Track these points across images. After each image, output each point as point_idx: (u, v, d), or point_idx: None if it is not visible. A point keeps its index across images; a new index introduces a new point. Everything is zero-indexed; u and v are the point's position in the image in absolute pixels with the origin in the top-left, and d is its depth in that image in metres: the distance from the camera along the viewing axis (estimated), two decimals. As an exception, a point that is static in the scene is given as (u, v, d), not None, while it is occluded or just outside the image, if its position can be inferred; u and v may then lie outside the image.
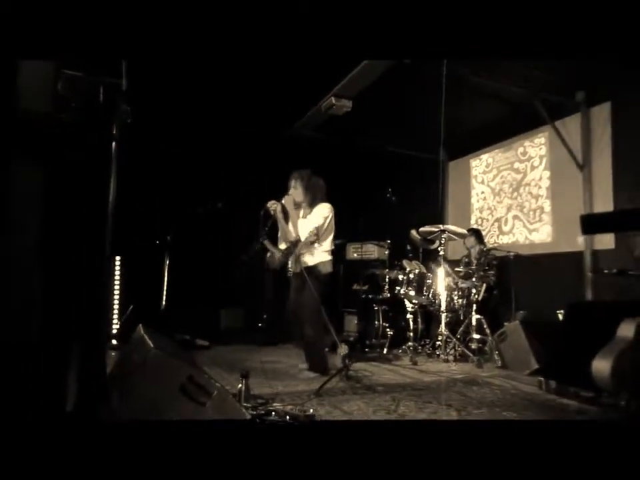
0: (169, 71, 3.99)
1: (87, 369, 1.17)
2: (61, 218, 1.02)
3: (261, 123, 5.37)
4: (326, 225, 3.36)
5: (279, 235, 3.53)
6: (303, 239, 3.36)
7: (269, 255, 3.61)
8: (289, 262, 3.50)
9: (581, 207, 4.56)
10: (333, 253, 3.47)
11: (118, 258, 4.47)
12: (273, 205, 3.33)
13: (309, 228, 3.34)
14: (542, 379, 2.92)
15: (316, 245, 3.37)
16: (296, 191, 3.41)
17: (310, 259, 3.37)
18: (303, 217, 3.44)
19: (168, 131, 4.96)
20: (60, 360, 1.11)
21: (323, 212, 3.34)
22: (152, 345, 1.54)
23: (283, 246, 3.49)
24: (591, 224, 1.16)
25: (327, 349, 3.59)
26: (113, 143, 1.39)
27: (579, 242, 4.53)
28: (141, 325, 2.03)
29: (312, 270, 3.34)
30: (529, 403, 2.59)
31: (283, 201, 3.38)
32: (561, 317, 3.51)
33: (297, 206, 3.43)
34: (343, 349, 3.16)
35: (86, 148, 1.08)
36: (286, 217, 3.41)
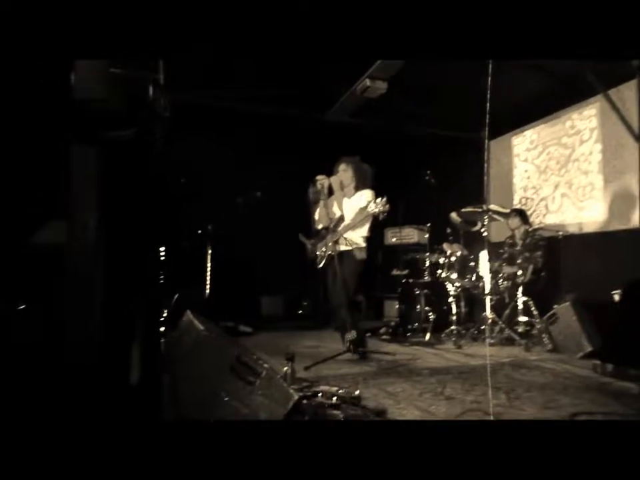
0: (203, 60, 4.01)
1: (147, 349, 1.22)
2: (118, 201, 1.06)
3: (297, 109, 5.36)
4: (370, 213, 3.31)
5: (318, 213, 3.53)
6: (347, 219, 3.36)
7: (309, 247, 3.64)
8: (325, 245, 3.47)
9: (636, 181, 4.28)
10: (368, 240, 3.46)
11: (162, 248, 4.62)
12: (322, 180, 3.36)
13: (354, 209, 3.34)
14: (597, 361, 2.78)
15: (352, 232, 3.35)
16: (345, 173, 3.43)
17: (345, 245, 3.37)
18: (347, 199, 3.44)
19: (206, 120, 5.04)
20: (124, 339, 1.17)
21: (368, 196, 3.32)
22: (201, 327, 1.58)
23: (320, 225, 3.50)
24: None
25: (367, 333, 3.60)
26: (156, 136, 1.43)
27: (635, 219, 4.26)
28: (188, 310, 2.10)
29: (348, 254, 3.34)
30: (585, 387, 2.48)
31: (330, 179, 3.39)
32: (616, 297, 3.32)
33: (343, 188, 3.44)
34: (351, 335, 3.14)
35: (136, 132, 1.11)
36: (330, 195, 3.43)
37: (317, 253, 3.55)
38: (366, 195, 3.35)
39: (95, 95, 1.04)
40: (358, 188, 3.44)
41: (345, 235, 3.36)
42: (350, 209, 3.39)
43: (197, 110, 4.84)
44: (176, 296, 4.58)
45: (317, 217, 3.56)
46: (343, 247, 3.37)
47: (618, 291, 3.17)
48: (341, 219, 3.41)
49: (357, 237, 3.39)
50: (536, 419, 1.89)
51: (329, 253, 3.39)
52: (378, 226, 5.78)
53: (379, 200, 3.16)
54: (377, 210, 3.14)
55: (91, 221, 1.01)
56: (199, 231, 4.86)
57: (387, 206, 3.14)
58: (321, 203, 3.45)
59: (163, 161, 1.68)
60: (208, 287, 4.81)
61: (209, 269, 4.82)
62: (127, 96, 1.24)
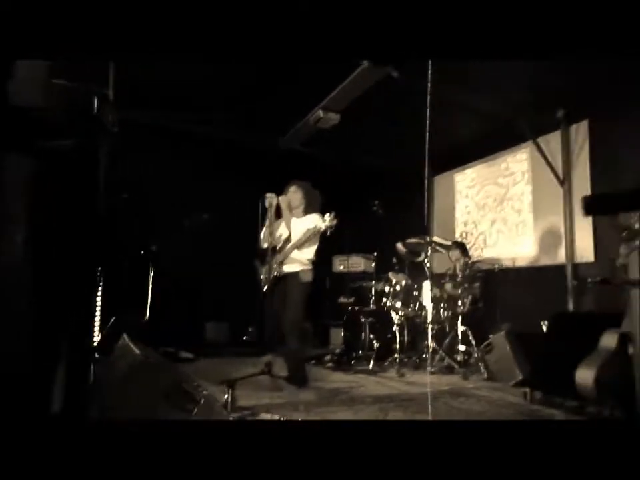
0: (157, 78, 3.97)
1: (73, 375, 1.14)
2: (52, 214, 1.00)
3: (249, 135, 5.39)
4: (320, 233, 3.32)
5: (262, 233, 3.49)
6: (294, 239, 3.35)
7: (262, 274, 3.56)
8: (270, 267, 3.41)
9: (561, 221, 4.67)
10: (314, 264, 3.45)
11: (99, 267, 4.38)
12: (270, 197, 3.34)
13: (302, 229, 3.33)
14: (527, 389, 2.94)
15: (298, 253, 3.34)
16: (295, 195, 3.44)
17: (291, 267, 3.35)
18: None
19: (155, 140, 4.94)
20: (46, 364, 1.08)
21: (317, 219, 3.31)
22: (137, 352, 1.51)
23: (265, 245, 3.46)
24: (593, 205, 1.16)
25: (312, 361, 3.56)
26: (100, 150, 1.39)
27: (561, 256, 4.63)
28: (125, 334, 1.99)
29: (293, 277, 3.31)
30: (517, 414, 2.60)
31: (279, 199, 3.38)
32: (545, 328, 3.55)
33: (291, 209, 3.44)
34: (267, 358, 3.14)
35: (77, 144, 1.07)
36: (278, 216, 3.41)
37: (262, 276, 3.48)
38: (315, 218, 3.34)
39: (33, 103, 0.99)
40: (307, 211, 3.44)
41: (291, 255, 3.33)
42: (298, 230, 3.36)
43: (150, 129, 4.75)
44: (112, 319, 4.33)
45: (262, 235, 3.51)
46: (288, 269, 3.34)
47: (546, 322, 3.40)
48: (288, 239, 3.39)
49: (303, 258, 3.36)
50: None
51: (274, 274, 3.35)
52: (325, 253, 5.86)
53: (327, 215, 3.19)
54: (325, 225, 3.15)
55: (19, 235, 0.94)
56: (142, 251, 4.67)
57: (335, 221, 3.16)
58: (267, 221, 3.42)
59: (105, 176, 1.62)
60: (148, 310, 4.59)
61: (150, 291, 4.62)
62: (68, 106, 1.20)
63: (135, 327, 4.26)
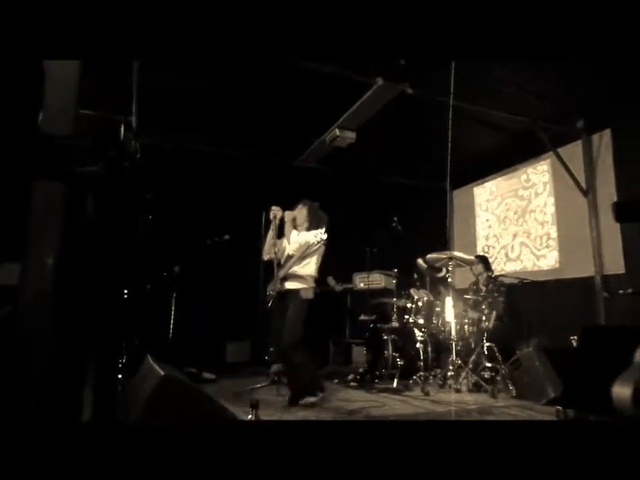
0: (172, 99, 4.08)
1: (100, 395, 1.16)
2: (82, 238, 1.04)
3: (267, 155, 5.48)
4: (315, 248, 3.34)
5: (265, 246, 3.52)
6: (292, 251, 3.38)
7: (268, 290, 3.59)
8: (274, 284, 3.43)
9: (587, 232, 4.56)
10: (317, 282, 3.45)
11: (125, 290, 4.47)
12: (275, 210, 3.37)
13: (300, 241, 3.34)
14: (559, 407, 2.82)
15: (298, 268, 3.34)
16: (300, 212, 3.48)
17: (292, 284, 3.36)
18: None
19: (175, 164, 5.07)
20: (76, 376, 1.10)
21: (318, 234, 3.30)
22: (162, 373, 1.52)
23: (267, 257, 3.50)
24: (624, 211, 1.13)
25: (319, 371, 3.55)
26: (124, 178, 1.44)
27: (587, 268, 4.50)
28: (148, 355, 2.01)
29: (293, 293, 3.33)
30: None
31: (285, 213, 3.42)
32: (574, 342, 3.43)
33: (295, 226, 3.46)
34: (277, 367, 3.25)
35: (104, 169, 1.11)
36: (280, 229, 3.44)
37: (268, 291, 3.50)
38: (317, 233, 3.31)
39: (62, 130, 1.04)
40: (310, 230, 3.42)
41: (291, 271, 3.34)
42: (297, 242, 3.38)
43: (169, 153, 4.88)
44: (137, 341, 4.39)
45: (265, 247, 3.53)
46: (289, 285, 3.36)
47: (575, 337, 3.28)
48: (290, 256, 3.42)
49: (304, 274, 3.36)
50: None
51: (278, 290, 3.37)
52: (348, 272, 5.83)
53: (318, 230, 3.25)
54: (315, 239, 3.20)
55: (50, 260, 0.97)
56: (164, 274, 4.75)
57: (325, 235, 3.21)
58: (270, 233, 3.46)
59: (131, 200, 1.67)
60: (171, 331, 4.63)
61: (173, 312, 4.67)
62: (95, 133, 1.25)
63: (159, 349, 4.31)
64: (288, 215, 3.45)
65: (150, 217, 3.52)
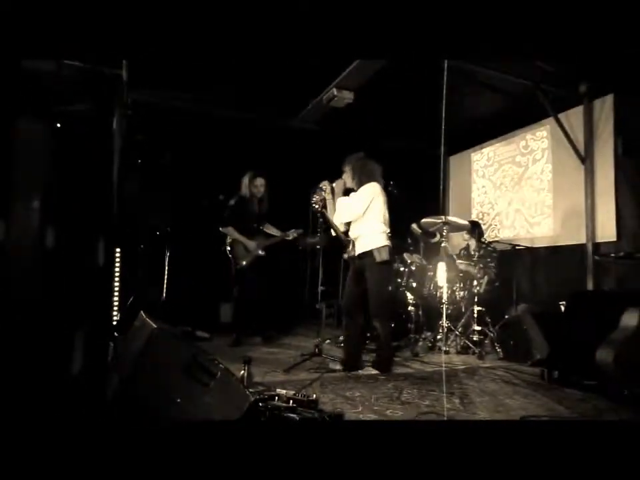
0: (170, 64, 3.95)
1: (92, 352, 1.16)
2: (68, 182, 1.01)
3: (263, 115, 5.35)
4: (365, 206, 3.09)
5: (338, 228, 3.39)
6: (335, 221, 3.26)
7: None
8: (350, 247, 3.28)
9: (582, 200, 4.55)
10: (389, 238, 3.16)
11: (118, 250, 4.45)
12: (323, 185, 3.29)
13: (337, 208, 3.20)
14: (544, 369, 2.91)
15: (363, 229, 3.12)
16: (346, 175, 3.30)
17: (361, 246, 3.12)
18: None
19: (170, 122, 4.94)
20: (65, 341, 1.10)
21: (359, 193, 3.14)
22: (155, 326, 1.53)
23: (342, 229, 3.34)
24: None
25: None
26: (114, 130, 1.38)
27: (581, 236, 4.52)
28: (142, 311, 2.01)
29: (366, 257, 3.09)
30: (532, 391, 2.58)
31: (334, 184, 3.30)
32: (563, 308, 3.50)
33: (348, 190, 3.31)
34: (316, 340, 3.27)
35: (89, 109, 1.06)
36: (334, 199, 3.27)
37: (345, 257, 3.41)
38: (358, 193, 3.17)
39: (44, 67, 0.97)
40: (359, 187, 3.20)
41: (356, 232, 3.15)
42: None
43: (163, 111, 4.75)
44: (131, 298, 4.41)
45: (338, 228, 3.35)
46: (360, 249, 3.13)
47: (564, 302, 3.34)
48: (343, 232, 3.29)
49: (370, 237, 3.09)
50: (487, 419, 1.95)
51: (350, 255, 3.24)
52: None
53: (292, 230, 3.51)
54: (290, 238, 3.45)
55: (35, 200, 0.94)
56: (157, 233, 4.72)
57: (300, 231, 3.36)
58: (328, 206, 3.30)
59: (121, 156, 1.62)
60: (165, 290, 4.65)
61: (166, 272, 4.67)
62: (80, 79, 1.19)
63: (153, 306, 4.35)
64: (337, 184, 3.26)
65: (139, 160, 3.41)
